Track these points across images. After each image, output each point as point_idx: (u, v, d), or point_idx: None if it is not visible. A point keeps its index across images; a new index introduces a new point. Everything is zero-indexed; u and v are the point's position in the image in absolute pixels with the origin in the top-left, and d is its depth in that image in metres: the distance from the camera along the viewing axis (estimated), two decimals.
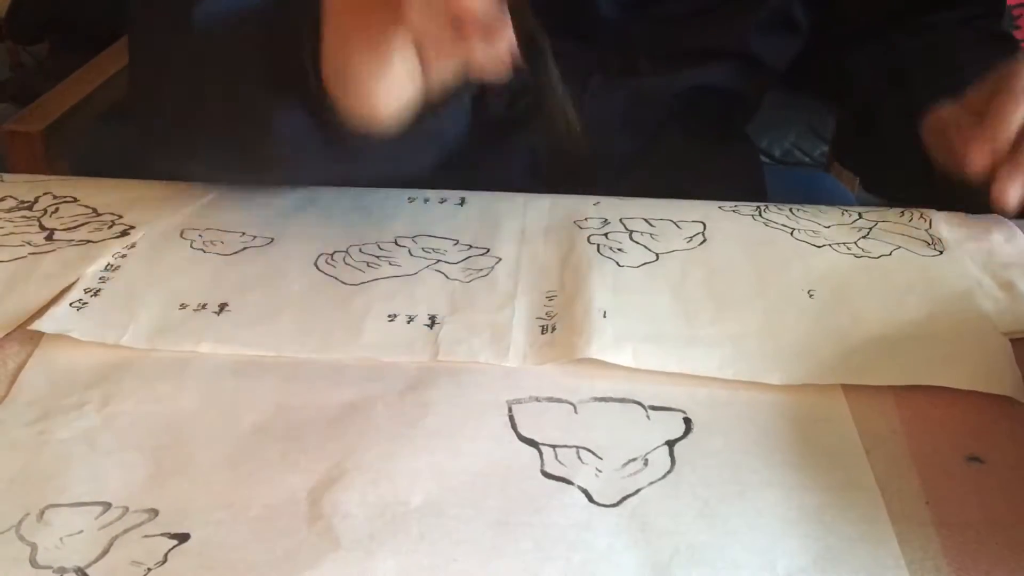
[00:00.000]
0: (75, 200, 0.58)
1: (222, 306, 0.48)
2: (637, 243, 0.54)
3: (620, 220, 0.56)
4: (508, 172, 0.70)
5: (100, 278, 0.50)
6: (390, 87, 0.44)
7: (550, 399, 0.43)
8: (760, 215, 0.57)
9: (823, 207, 0.59)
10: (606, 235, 0.55)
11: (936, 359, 0.45)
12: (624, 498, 0.38)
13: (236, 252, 0.53)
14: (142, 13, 0.58)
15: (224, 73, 0.51)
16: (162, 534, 0.36)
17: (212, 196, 0.59)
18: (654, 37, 0.69)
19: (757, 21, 0.68)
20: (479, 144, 0.70)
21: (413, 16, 0.40)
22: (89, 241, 0.54)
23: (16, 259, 0.52)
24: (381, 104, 0.44)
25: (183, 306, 0.48)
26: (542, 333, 0.46)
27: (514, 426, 0.41)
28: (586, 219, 0.56)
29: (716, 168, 0.75)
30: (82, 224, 0.56)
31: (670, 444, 0.40)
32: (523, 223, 0.56)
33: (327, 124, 0.47)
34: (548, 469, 0.39)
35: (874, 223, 0.56)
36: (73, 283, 0.50)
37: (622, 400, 0.43)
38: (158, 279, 0.51)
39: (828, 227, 0.56)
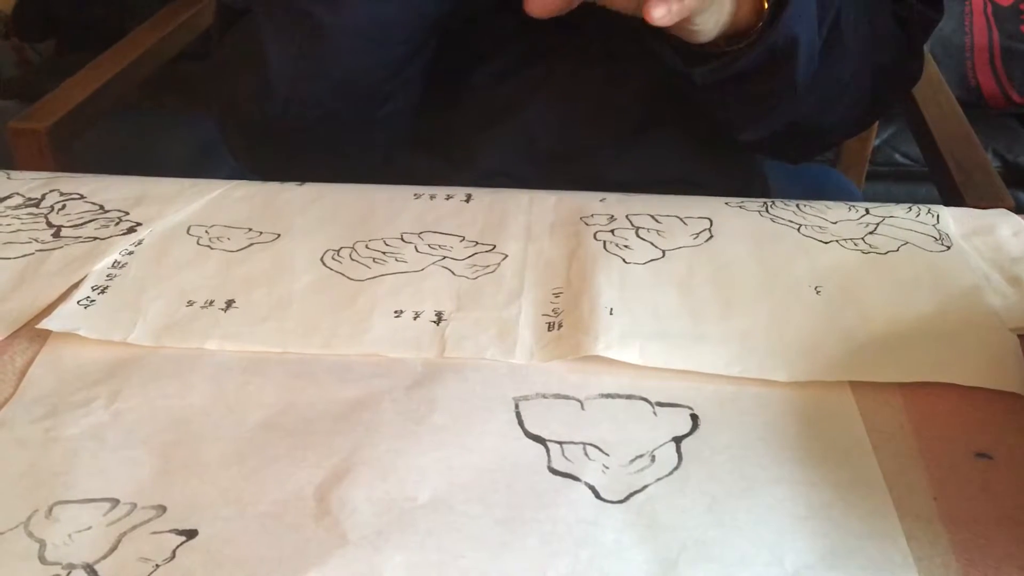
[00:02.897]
0: (82, 197, 0.59)
1: (229, 303, 0.48)
2: (643, 240, 0.54)
3: (626, 216, 0.56)
4: (503, 157, 0.71)
5: (107, 275, 0.51)
6: None
7: (557, 396, 0.43)
8: (766, 211, 0.57)
9: (830, 203, 0.59)
10: (612, 232, 0.55)
11: (944, 356, 0.44)
12: (631, 494, 0.38)
13: (242, 248, 0.53)
14: None
15: None
16: (170, 530, 0.36)
17: (218, 192, 0.59)
18: (624, 25, 0.68)
19: None
20: (473, 128, 0.71)
21: None
22: (96, 238, 0.54)
23: (23, 256, 0.52)
24: None
25: (190, 303, 0.48)
26: (548, 330, 0.46)
27: (521, 423, 0.41)
28: (592, 215, 0.56)
29: (713, 159, 0.75)
30: (89, 221, 0.56)
31: (677, 440, 0.40)
32: (529, 219, 0.56)
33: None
34: (555, 465, 0.39)
35: (881, 219, 0.56)
36: (80, 280, 0.50)
37: (629, 397, 0.43)
38: (165, 276, 0.51)
39: (835, 223, 0.56)
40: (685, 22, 0.53)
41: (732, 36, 0.58)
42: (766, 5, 0.57)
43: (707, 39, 0.57)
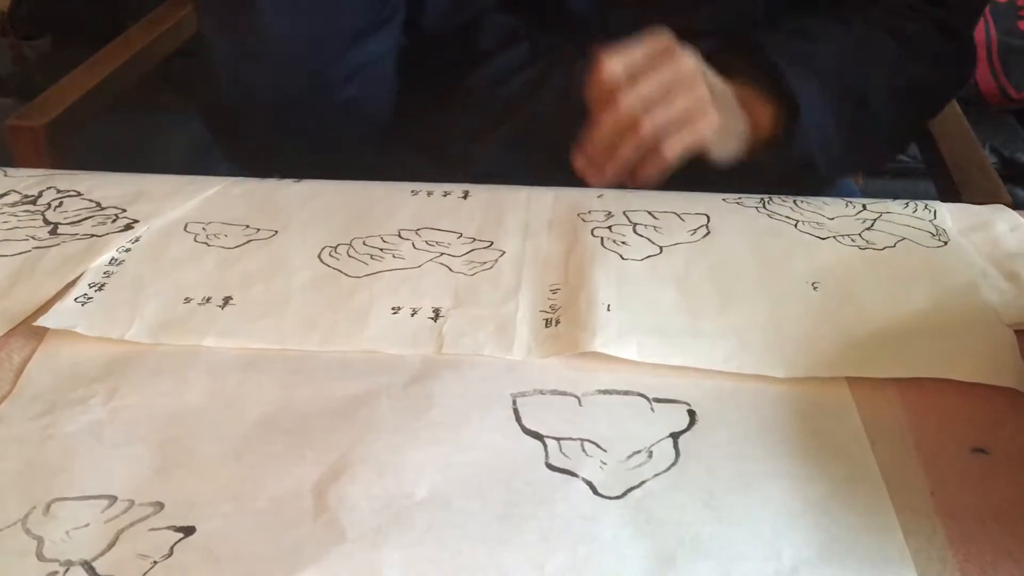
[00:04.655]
0: (79, 194, 0.58)
1: (226, 300, 0.48)
2: (641, 236, 0.54)
3: (624, 213, 0.56)
4: (500, 160, 0.71)
5: (105, 272, 0.51)
6: None
7: (554, 392, 0.43)
8: (764, 207, 0.57)
9: (827, 199, 0.59)
10: (610, 228, 0.55)
11: (941, 351, 0.45)
12: (629, 490, 0.38)
13: (240, 245, 0.53)
14: None
15: None
16: (168, 527, 0.36)
17: (216, 189, 0.59)
18: (623, 26, 0.69)
19: (726, 10, 0.70)
20: (470, 130, 0.71)
21: None
22: (93, 235, 0.54)
23: (20, 253, 0.52)
24: None
25: (187, 300, 0.48)
26: (546, 326, 0.46)
27: (518, 419, 0.41)
28: (590, 212, 0.56)
29: (714, 165, 0.75)
30: (86, 218, 0.56)
31: (674, 436, 0.40)
32: (527, 216, 0.56)
33: None
34: (553, 462, 0.39)
35: (878, 214, 0.56)
36: (78, 278, 0.50)
37: (626, 393, 0.43)
38: (162, 273, 0.51)
39: (832, 219, 0.56)
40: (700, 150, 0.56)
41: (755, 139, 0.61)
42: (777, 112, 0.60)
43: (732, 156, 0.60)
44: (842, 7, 0.70)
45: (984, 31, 1.74)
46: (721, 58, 0.60)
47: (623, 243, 0.53)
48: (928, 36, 0.70)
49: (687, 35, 0.70)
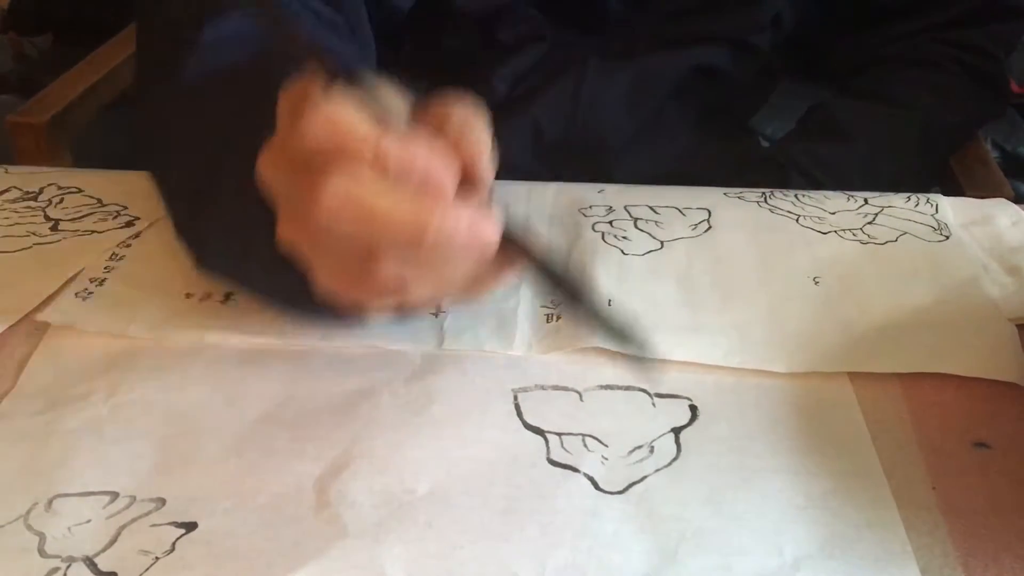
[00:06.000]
0: (80, 191, 0.58)
1: (227, 295, 0.48)
2: (642, 231, 0.54)
3: (624, 208, 0.56)
4: (509, 150, 0.71)
5: (105, 268, 0.51)
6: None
7: (555, 387, 0.43)
8: (765, 202, 0.57)
9: (828, 193, 0.59)
10: (611, 223, 0.54)
11: (942, 346, 0.44)
12: (630, 485, 0.38)
13: None
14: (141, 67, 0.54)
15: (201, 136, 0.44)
16: (170, 523, 0.36)
17: None
18: (654, 27, 0.70)
19: (752, 17, 0.72)
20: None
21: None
22: (94, 231, 0.54)
23: (22, 249, 0.52)
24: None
25: (188, 295, 0.48)
26: (547, 321, 0.46)
27: (520, 414, 0.41)
28: (590, 207, 0.56)
29: (722, 157, 0.76)
30: (87, 215, 0.56)
31: (676, 431, 0.40)
32: (527, 211, 0.56)
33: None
34: (554, 457, 0.39)
35: (880, 209, 0.56)
36: (78, 273, 0.50)
37: (627, 388, 0.43)
38: (163, 269, 0.51)
39: (834, 213, 0.56)
40: None
41: None
42: None
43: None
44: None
45: None
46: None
47: (624, 238, 0.53)
48: (965, 86, 0.74)
49: (704, 41, 0.71)
